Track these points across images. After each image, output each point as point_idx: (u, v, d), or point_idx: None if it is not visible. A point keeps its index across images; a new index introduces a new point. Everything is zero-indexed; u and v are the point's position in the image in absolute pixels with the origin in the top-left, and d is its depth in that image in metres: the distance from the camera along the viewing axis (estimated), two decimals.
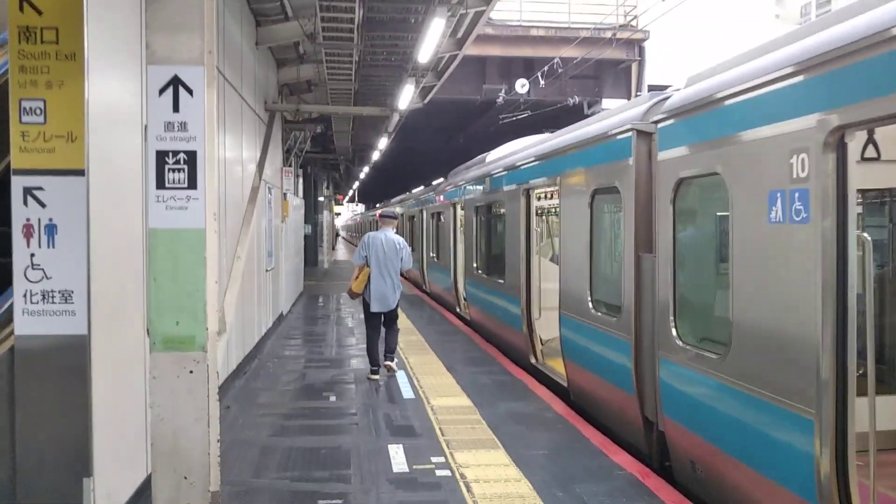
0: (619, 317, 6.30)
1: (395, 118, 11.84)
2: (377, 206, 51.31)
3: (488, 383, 8.37)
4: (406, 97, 10.57)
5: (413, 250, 22.27)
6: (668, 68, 21.66)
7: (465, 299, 14.98)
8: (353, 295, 8.81)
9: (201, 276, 4.11)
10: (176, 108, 4.04)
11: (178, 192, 4.06)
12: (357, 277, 8.63)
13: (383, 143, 16.45)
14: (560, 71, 18.67)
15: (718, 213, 5.12)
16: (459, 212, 15.16)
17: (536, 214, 9.61)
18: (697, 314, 5.50)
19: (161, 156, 4.04)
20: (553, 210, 14.11)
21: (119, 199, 4.54)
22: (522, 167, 9.47)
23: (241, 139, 8.81)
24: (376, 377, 8.49)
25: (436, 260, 17.77)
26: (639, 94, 19.92)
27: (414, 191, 31.89)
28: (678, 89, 5.79)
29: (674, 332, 5.29)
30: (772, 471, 4.13)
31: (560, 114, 19.86)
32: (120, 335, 4.52)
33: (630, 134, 6.02)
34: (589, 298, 7.03)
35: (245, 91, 9.09)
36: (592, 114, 20.43)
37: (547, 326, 9.62)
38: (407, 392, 7.88)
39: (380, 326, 8.74)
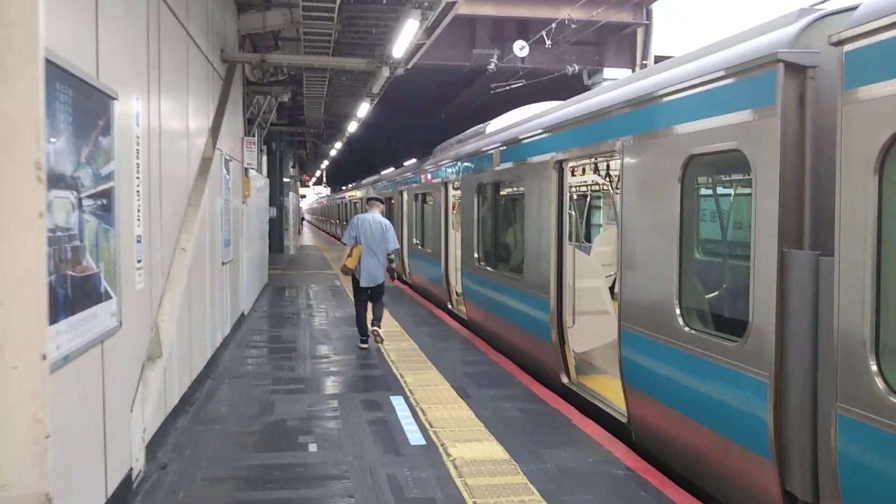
0: (742, 341, 4.28)
1: (384, 75, 9.66)
2: (343, 188, 48.85)
3: (516, 416, 6.33)
4: (406, 38, 8.34)
5: None
6: (672, 39, 19.75)
7: (459, 294, 12.90)
8: (346, 271, 9.33)
9: None
10: None
11: None
12: (350, 255, 9.21)
13: (363, 110, 14.16)
14: (558, 36, 16.58)
15: None
16: (452, 192, 13.05)
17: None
18: None
19: None
20: (598, 188, 12.05)
21: None
22: (553, 133, 7.38)
23: (186, 91, 6.57)
24: (365, 346, 9.27)
25: (420, 248, 15.63)
26: (644, 63, 17.96)
27: (388, 171, 29.65)
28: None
29: (879, 381, 3.27)
30: None
31: (557, 84, 17.77)
32: None
33: (774, 69, 3.97)
34: (677, 311, 4.99)
35: (193, 27, 6.84)
36: (593, 85, 18.44)
37: (582, 336, 7.61)
38: (413, 434, 5.79)
39: (367, 301, 9.43)
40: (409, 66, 12.82)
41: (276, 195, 21.97)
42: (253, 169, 11.26)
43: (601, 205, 15.63)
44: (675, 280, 5.02)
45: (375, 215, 9.41)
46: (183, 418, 6.10)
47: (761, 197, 4.12)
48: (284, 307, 13.20)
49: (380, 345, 9.44)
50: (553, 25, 15.72)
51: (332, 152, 27.96)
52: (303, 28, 8.62)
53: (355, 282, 9.32)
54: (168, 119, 5.69)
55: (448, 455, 5.30)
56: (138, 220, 4.57)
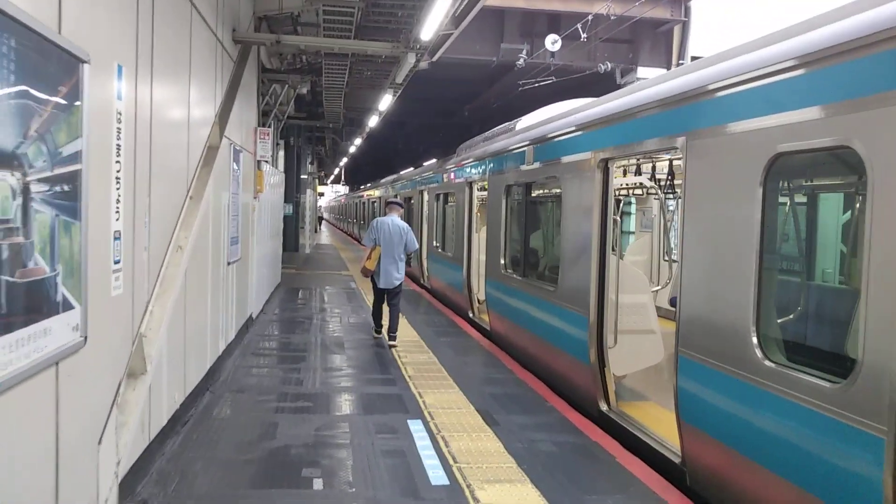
0: (847, 383, 3.46)
1: (409, 62, 8.87)
2: (362, 187, 48.20)
3: (552, 451, 5.52)
4: (437, 17, 7.51)
5: None
6: (710, 40, 18.86)
7: (481, 302, 12.10)
8: (366, 273, 9.53)
9: None
10: None
11: None
12: (370, 257, 9.40)
13: (386, 102, 13.34)
14: (591, 32, 15.77)
15: None
16: (477, 193, 12.26)
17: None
18: None
19: None
20: (627, 192, 11.22)
21: None
22: (598, 128, 6.57)
23: (187, 67, 5.83)
24: (379, 336, 9.77)
25: (440, 251, 14.84)
26: (681, 62, 17.08)
27: (407, 170, 28.94)
28: None
29: None
30: None
31: (588, 83, 16.96)
32: None
33: None
34: (753, 339, 4.17)
35: (200, 1, 6.10)
36: (625, 84, 17.58)
37: (624, 358, 6.79)
38: (435, 470, 4.99)
39: (382, 297, 9.70)
40: (435, 59, 12.08)
41: (293, 192, 21.29)
42: (266, 162, 10.53)
43: (632, 210, 14.79)
44: (752, 302, 4.20)
45: (395, 219, 9.60)
46: (172, 441, 5.35)
47: (880, 204, 3.30)
48: (296, 310, 12.46)
49: (397, 357, 8.68)
50: (589, 18, 14.90)
51: (352, 149, 27.21)
52: (322, 8, 7.86)
53: (374, 283, 9.62)
54: (164, 97, 4.94)
55: (475, 500, 4.50)
56: (117, 212, 3.82)
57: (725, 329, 4.47)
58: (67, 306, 3.10)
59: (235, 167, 8.18)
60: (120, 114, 3.80)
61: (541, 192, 8.85)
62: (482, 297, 12.20)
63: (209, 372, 7.03)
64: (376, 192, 30.28)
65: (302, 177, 24.05)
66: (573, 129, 7.13)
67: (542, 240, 9.07)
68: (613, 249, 6.66)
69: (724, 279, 4.51)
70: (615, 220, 6.82)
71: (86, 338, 3.31)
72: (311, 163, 28.09)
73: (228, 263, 7.95)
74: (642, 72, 17.16)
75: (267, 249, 12.60)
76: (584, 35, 14.19)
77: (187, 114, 5.83)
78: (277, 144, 14.94)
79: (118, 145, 3.78)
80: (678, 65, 17.05)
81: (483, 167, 11.08)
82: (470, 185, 12.09)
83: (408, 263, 9.75)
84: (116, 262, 3.84)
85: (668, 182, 8.02)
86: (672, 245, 12.01)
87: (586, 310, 6.66)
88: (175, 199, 5.54)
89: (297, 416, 6.20)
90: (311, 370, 7.95)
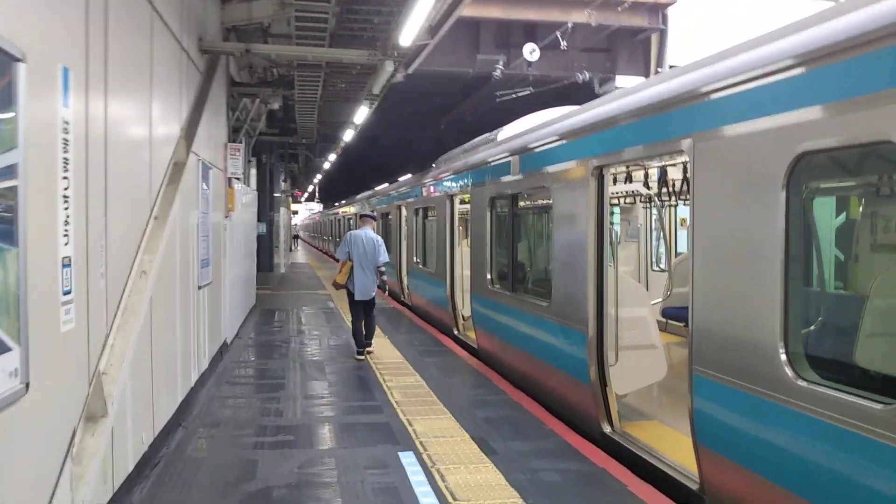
0: None
1: (387, 70, 8.46)
2: (336, 204, 47.64)
3: (557, 481, 5.08)
4: (417, 20, 7.09)
5: (389, 252, 18.99)
6: (686, 49, 18.70)
7: (465, 318, 11.68)
8: (337, 286, 9.71)
9: None
10: None
11: None
12: (341, 271, 9.58)
13: (361, 115, 12.88)
14: (568, 41, 15.52)
15: None
16: (458, 206, 11.87)
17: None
18: None
19: None
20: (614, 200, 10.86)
21: None
22: (592, 133, 6.20)
23: (149, 77, 5.36)
24: (361, 358, 9.56)
25: (421, 267, 14.40)
26: (658, 70, 16.88)
27: (382, 186, 28.51)
28: None
29: None
30: None
31: (565, 93, 16.68)
32: None
33: None
34: (781, 355, 3.78)
35: (162, 5, 5.64)
36: (604, 94, 17.35)
37: (626, 376, 6.39)
38: None
39: (362, 313, 9.66)
40: (411, 70, 11.68)
41: (266, 210, 20.73)
42: (238, 179, 10.05)
43: (616, 220, 14.48)
44: (779, 315, 3.82)
45: (368, 231, 9.70)
46: (140, 488, 4.82)
47: None
48: (273, 333, 11.92)
49: (382, 381, 8.22)
50: (568, 26, 14.63)
51: (326, 165, 26.69)
52: (295, 15, 7.42)
53: (350, 296, 9.63)
54: (121, 107, 4.47)
55: None
56: (66, 235, 3.34)
57: (747, 345, 4.08)
58: (2, 349, 2.61)
59: (204, 185, 7.69)
60: (67, 123, 3.33)
61: (528, 203, 8.46)
62: (467, 313, 11.79)
63: (181, 405, 6.50)
64: (351, 209, 29.79)
65: (275, 195, 23.50)
66: (563, 136, 6.75)
67: (532, 253, 8.68)
68: (611, 261, 6.28)
69: (744, 289, 4.13)
70: (611, 231, 6.44)
71: (28, 384, 2.82)
72: (285, 180, 27.54)
73: (199, 287, 7.44)
74: (620, 81, 16.92)
75: (240, 270, 12.08)
76: (563, 43, 13.90)
77: (149, 126, 5.36)
78: (249, 162, 14.44)
79: (66, 159, 3.31)
80: (656, 73, 16.87)
81: (464, 180, 10.69)
82: (451, 198, 11.69)
83: (381, 283, 9.67)
84: (67, 293, 3.36)
85: (671, 189, 7.68)
86: (661, 254, 11.71)
87: (584, 325, 6.26)
88: (137, 219, 5.05)
89: (278, 451, 5.70)
90: (290, 399, 7.45)
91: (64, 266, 3.31)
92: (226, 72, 9.27)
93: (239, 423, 6.48)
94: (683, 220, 13.02)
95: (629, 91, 6.03)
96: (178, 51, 6.47)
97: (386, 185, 27.83)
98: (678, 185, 8.29)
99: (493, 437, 6.09)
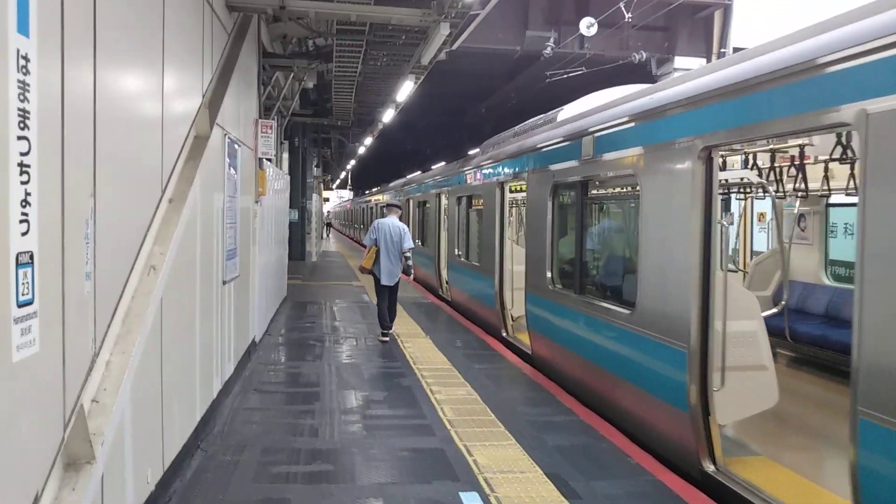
0: None
1: (441, 34, 7.35)
2: (370, 192, 46.74)
3: None
4: None
5: (424, 245, 17.99)
6: (749, 31, 17.36)
7: (514, 319, 10.61)
8: (363, 270, 10.29)
9: None
10: None
11: None
12: (367, 256, 10.12)
13: (405, 91, 11.70)
14: (623, 19, 14.29)
15: None
16: (508, 195, 10.78)
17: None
18: None
19: None
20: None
21: None
22: (700, 106, 5.06)
23: (160, 20, 4.34)
24: (386, 339, 10.02)
25: (463, 260, 13.32)
26: (723, 51, 15.58)
27: (416, 174, 27.49)
28: None
29: None
30: None
31: (619, 74, 15.45)
32: None
33: None
34: None
35: None
36: (661, 75, 16.09)
37: (730, 403, 5.28)
38: None
39: (387, 297, 10.17)
40: (456, 46, 10.58)
41: (298, 197, 19.82)
42: (269, 160, 9.05)
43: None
44: None
45: (393, 220, 10.28)
46: None
47: None
48: (305, 330, 10.95)
49: (429, 392, 7.20)
50: (623, 3, 13.41)
51: (361, 150, 25.64)
52: None
53: (376, 280, 10.20)
54: (116, 53, 3.46)
55: None
56: (25, 221, 2.33)
57: None
58: None
59: (231, 165, 6.69)
60: (26, 60, 2.31)
61: (604, 190, 7.34)
62: (517, 312, 10.72)
63: (200, 422, 5.53)
64: (385, 197, 28.81)
65: (307, 181, 22.59)
66: (658, 110, 5.60)
67: (607, 249, 7.57)
68: (720, 264, 5.17)
69: None
70: (722, 226, 5.32)
71: None
72: (317, 166, 26.62)
73: (224, 282, 6.45)
74: (680, 62, 15.68)
75: (272, 260, 11.12)
76: (628, 15, 12.66)
77: (160, 84, 4.34)
78: (281, 144, 13.48)
79: (22, 112, 2.29)
80: (720, 54, 15.56)
81: (519, 164, 9.58)
82: (501, 185, 10.59)
83: (405, 268, 10.25)
84: (25, 304, 2.35)
85: (778, 176, 6.50)
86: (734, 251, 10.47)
87: (683, 340, 5.15)
88: (142, 201, 4.05)
89: (314, 487, 4.68)
90: (326, 413, 6.44)
91: (20, 266, 2.30)
92: (257, 39, 8.27)
93: (267, 446, 5.47)
94: (762, 215, 11.76)
95: (746, 56, 4.88)
96: (201, 3, 5.45)
97: (420, 172, 26.80)
98: (786, 172, 7.11)
99: (572, 474, 5.02)
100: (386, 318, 10.18)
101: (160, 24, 4.35)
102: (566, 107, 9.36)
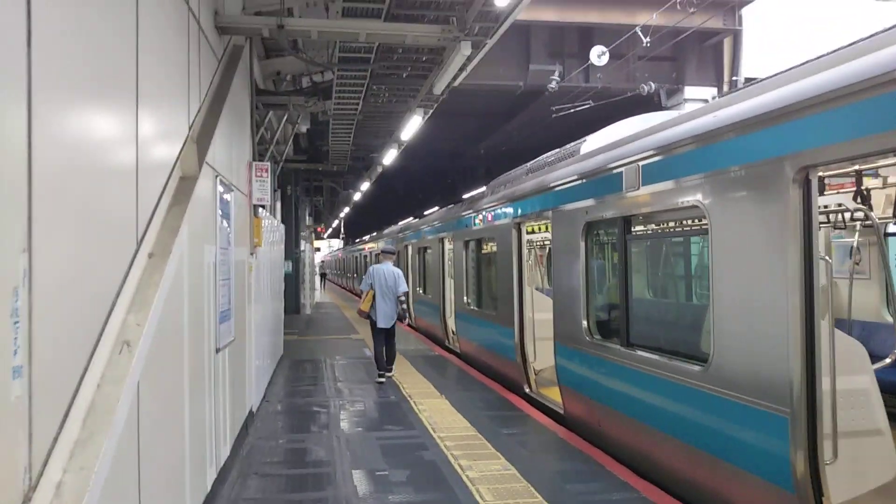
0: None
1: (462, 55, 6.45)
2: (363, 239, 45.86)
3: None
4: None
5: (426, 293, 17.01)
6: (758, 61, 16.74)
7: (536, 372, 9.62)
8: (361, 314, 10.70)
9: None
10: None
11: None
12: (364, 300, 10.63)
13: (411, 128, 10.64)
14: (629, 50, 13.64)
15: None
16: (526, 236, 9.89)
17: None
18: None
19: None
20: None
21: None
22: (795, 118, 4.19)
23: (133, 25, 3.45)
24: (382, 381, 10.46)
25: (473, 308, 12.35)
26: (734, 79, 14.94)
27: (409, 219, 26.63)
28: None
29: None
30: None
31: (628, 107, 14.75)
32: None
33: None
34: None
35: None
36: (673, 106, 15.41)
37: (842, 476, 4.30)
38: None
39: (383, 340, 10.67)
40: (457, 83, 9.79)
41: (292, 247, 18.88)
42: (263, 208, 8.13)
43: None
44: None
45: (388, 265, 10.75)
46: None
47: None
48: (307, 394, 9.87)
49: (458, 468, 6.17)
50: (635, 31, 12.74)
51: (357, 196, 24.76)
52: None
53: (373, 324, 10.63)
54: (64, 83, 2.54)
55: None
56: None
57: None
58: None
59: (224, 212, 5.76)
60: None
61: (653, 226, 6.43)
62: (539, 366, 9.74)
63: None
64: (380, 244, 27.91)
65: (300, 231, 21.68)
66: (738, 126, 4.71)
67: (663, 294, 6.64)
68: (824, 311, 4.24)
69: None
70: (826, 262, 4.41)
71: None
72: (310, 214, 25.76)
73: (217, 350, 5.46)
74: (690, 91, 15.02)
75: (267, 315, 10.12)
76: (646, 40, 11.97)
77: (134, 104, 3.43)
78: (275, 192, 12.59)
79: None
80: (731, 83, 14.92)
81: (539, 203, 8.70)
82: (518, 226, 9.70)
83: (400, 311, 10.69)
84: None
85: None
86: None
87: (783, 403, 4.21)
88: (108, 257, 3.10)
89: None
90: (342, 502, 5.39)
91: None
92: (249, 72, 7.42)
93: None
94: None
95: (848, 55, 4.03)
96: (186, 15, 4.58)
97: (413, 219, 25.91)
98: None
99: None
100: (383, 360, 10.59)
101: (133, 44, 3.45)
102: (589, 138, 8.54)
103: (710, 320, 4.97)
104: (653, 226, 6.34)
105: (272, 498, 5.54)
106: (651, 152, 5.84)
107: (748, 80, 13.45)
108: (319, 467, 6.31)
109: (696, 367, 5.16)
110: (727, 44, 14.83)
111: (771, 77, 4.83)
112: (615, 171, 6.49)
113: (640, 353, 6.10)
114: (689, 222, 5.66)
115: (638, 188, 6.04)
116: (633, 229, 6.52)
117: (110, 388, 2.92)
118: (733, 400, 4.69)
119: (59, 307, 2.45)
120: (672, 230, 6.24)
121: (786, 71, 4.68)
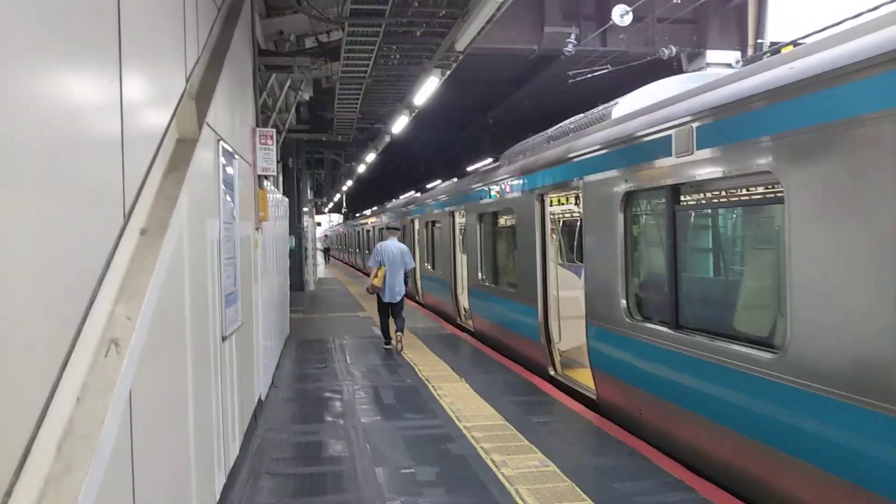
0: None
1: (493, 2, 5.75)
2: (365, 214, 45.12)
3: None
4: None
5: (435, 269, 16.43)
6: (784, 21, 15.93)
7: (561, 353, 9.03)
8: (372, 289, 10.96)
9: None
10: None
11: None
12: (377, 276, 10.82)
13: (427, 90, 9.72)
14: (648, 11, 12.87)
15: None
16: (550, 208, 9.23)
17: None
18: None
19: None
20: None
21: None
22: None
23: None
24: (389, 347, 11.00)
25: (489, 285, 11.72)
26: (759, 42, 14.15)
27: (408, 194, 25.93)
28: None
29: None
30: None
31: (648, 71, 13.98)
32: None
33: None
34: None
35: None
36: (694, 69, 14.65)
37: None
38: None
39: (389, 313, 11.13)
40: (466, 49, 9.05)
41: (294, 222, 18.22)
42: (268, 178, 7.46)
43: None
44: None
45: (394, 241, 11.05)
46: None
47: None
48: (317, 378, 9.26)
49: (491, 463, 5.58)
50: None
51: (361, 168, 23.98)
52: None
53: (379, 298, 10.99)
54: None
55: None
56: None
57: None
58: None
59: (226, 182, 5.09)
60: None
61: (706, 195, 5.76)
62: (564, 346, 9.14)
63: None
64: (384, 219, 27.24)
65: (303, 205, 20.99)
66: (831, 75, 4.02)
67: (720, 271, 6.00)
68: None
69: None
70: None
71: None
72: (312, 188, 25.04)
73: (224, 338, 4.83)
74: (712, 55, 14.25)
75: (274, 293, 9.49)
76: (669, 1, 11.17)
77: (116, 60, 2.76)
78: (278, 159, 11.91)
79: None
80: (756, 46, 14.13)
81: (566, 172, 8.03)
82: (541, 198, 9.03)
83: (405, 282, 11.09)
84: None
85: None
86: None
87: (891, 401, 3.58)
88: (86, 232, 2.46)
89: None
90: None
91: None
92: (250, 27, 6.72)
93: None
94: None
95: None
96: None
97: (415, 192, 25.20)
98: None
99: None
100: (388, 329, 11.04)
101: None
102: (621, 100, 7.86)
103: (788, 301, 4.33)
104: (709, 194, 5.67)
105: (286, 497, 4.95)
106: (707, 112, 5.16)
107: (773, 45, 12.71)
108: (338, 464, 5.71)
109: (767, 355, 4.54)
110: (752, 5, 14.00)
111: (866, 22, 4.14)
112: (662, 134, 5.82)
113: (690, 336, 5.48)
114: (757, 191, 5.00)
115: (691, 152, 5.37)
116: (681, 199, 5.86)
117: (94, 401, 2.29)
118: (818, 394, 4.06)
119: (20, 299, 1.82)
120: (732, 201, 5.57)
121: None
